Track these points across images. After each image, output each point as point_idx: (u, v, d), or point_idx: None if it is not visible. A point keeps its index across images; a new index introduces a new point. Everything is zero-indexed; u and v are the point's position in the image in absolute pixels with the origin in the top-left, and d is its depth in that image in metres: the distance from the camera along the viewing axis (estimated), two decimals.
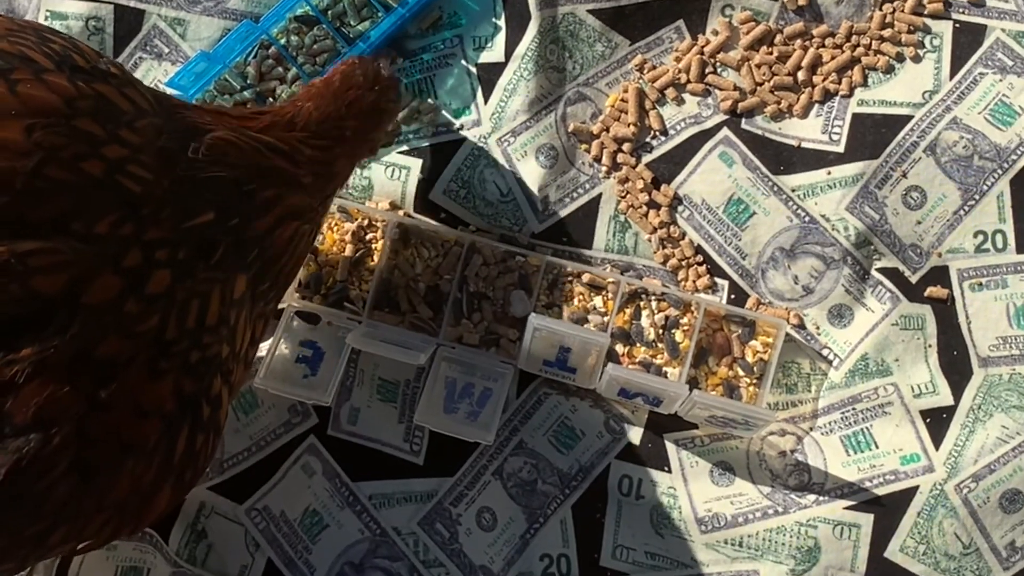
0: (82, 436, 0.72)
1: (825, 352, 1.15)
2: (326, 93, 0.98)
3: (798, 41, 1.20)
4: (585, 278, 1.15)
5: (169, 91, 1.17)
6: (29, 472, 0.70)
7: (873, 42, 1.20)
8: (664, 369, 1.14)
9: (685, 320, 1.14)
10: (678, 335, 1.14)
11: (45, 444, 0.71)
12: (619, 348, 1.14)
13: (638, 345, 1.14)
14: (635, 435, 1.14)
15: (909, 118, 1.18)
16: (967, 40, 1.20)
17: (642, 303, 1.15)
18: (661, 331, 1.14)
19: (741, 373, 1.14)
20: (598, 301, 1.15)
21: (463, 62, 1.21)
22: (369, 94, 0.99)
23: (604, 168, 1.19)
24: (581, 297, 1.15)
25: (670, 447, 1.14)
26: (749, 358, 1.14)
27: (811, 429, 1.14)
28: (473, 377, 1.14)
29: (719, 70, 1.21)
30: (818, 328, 1.16)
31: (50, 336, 0.70)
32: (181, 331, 0.77)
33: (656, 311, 1.14)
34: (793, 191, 1.18)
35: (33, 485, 0.71)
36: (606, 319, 1.14)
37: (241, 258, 0.83)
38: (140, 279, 0.75)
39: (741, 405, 1.08)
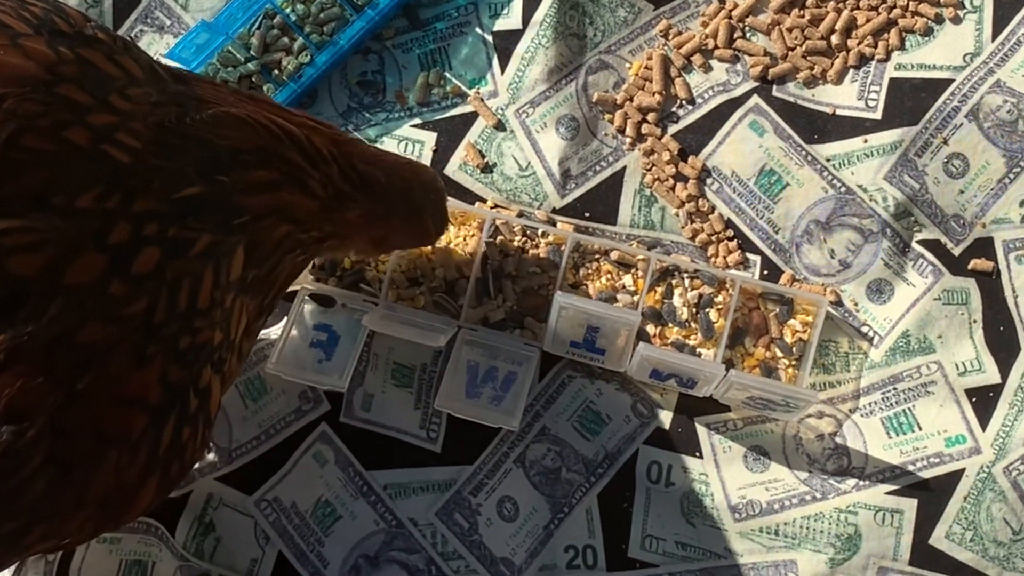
0: (58, 428, 0.70)
1: (864, 330, 1.13)
2: (391, 158, 0.97)
3: (831, 3, 1.18)
4: (614, 255, 1.12)
5: (170, 63, 1.15)
6: (1, 467, 0.68)
7: (910, 3, 1.18)
8: (698, 350, 1.11)
9: (720, 298, 1.12)
10: (712, 314, 1.11)
11: (18, 437, 0.68)
12: (650, 328, 1.12)
13: (670, 325, 1.12)
14: (664, 419, 1.12)
15: (949, 82, 1.16)
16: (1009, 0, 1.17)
17: (674, 281, 1.12)
18: (695, 310, 1.12)
19: (779, 354, 1.11)
20: (627, 279, 1.13)
21: (478, 30, 1.19)
22: (420, 192, 0.98)
23: (628, 139, 1.17)
24: (609, 275, 1.13)
25: (701, 431, 1.12)
26: (787, 338, 1.11)
27: (850, 411, 1.12)
28: (496, 360, 1.12)
29: (748, 35, 1.18)
30: (856, 305, 1.13)
31: (24, 321, 0.68)
32: (171, 314, 0.74)
33: (689, 289, 1.12)
34: (828, 160, 1.15)
35: (6, 481, 0.69)
36: (636, 298, 1.12)
37: (227, 218, 0.79)
38: (127, 257, 0.72)
39: (781, 385, 1.06)
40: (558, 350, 1.12)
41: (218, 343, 0.79)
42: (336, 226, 0.90)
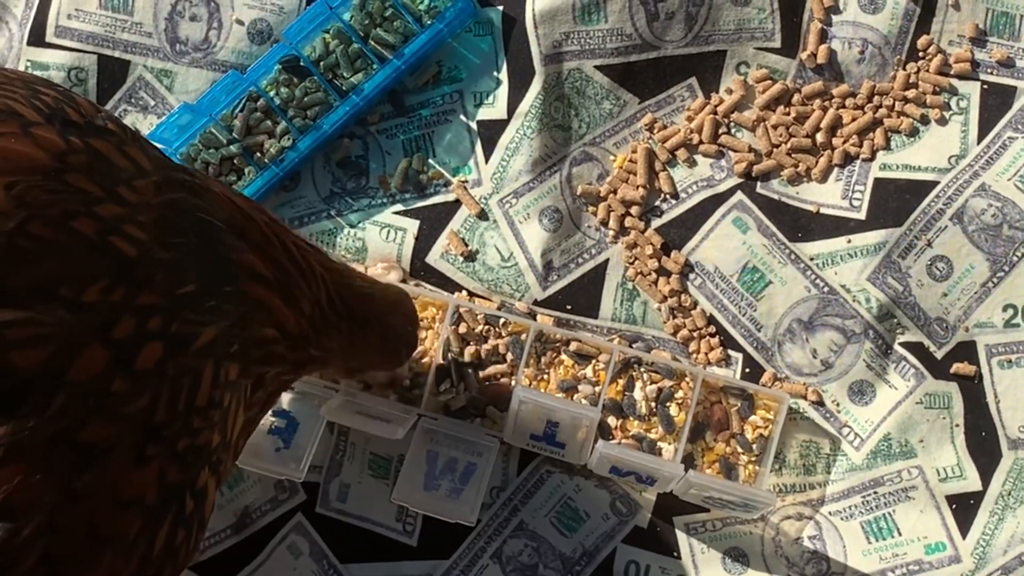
0: (55, 527, 0.69)
1: (845, 431, 1.13)
2: (378, 288, 0.99)
3: (817, 101, 1.19)
4: (573, 346, 1.13)
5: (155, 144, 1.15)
6: None
7: (896, 103, 1.18)
8: (659, 444, 1.12)
9: (680, 393, 1.12)
10: (673, 408, 1.12)
11: (14, 536, 0.68)
12: (611, 421, 1.13)
13: (631, 418, 1.12)
14: (643, 518, 1.13)
15: (934, 184, 1.16)
16: (996, 102, 1.19)
17: (635, 373, 1.13)
18: (654, 404, 1.12)
19: (740, 450, 1.12)
20: (588, 370, 1.13)
21: (463, 118, 1.20)
22: (400, 324, 1.00)
23: (611, 232, 1.17)
24: (570, 367, 1.13)
25: (680, 531, 1.13)
26: (748, 434, 1.12)
27: (830, 514, 1.12)
28: (456, 451, 1.12)
29: (733, 131, 1.19)
30: (838, 406, 1.14)
31: (25, 416, 0.67)
32: (172, 413, 0.74)
33: (648, 383, 1.12)
34: (811, 259, 1.16)
35: None
36: (597, 389, 1.12)
37: (220, 284, 0.79)
38: (130, 352, 0.72)
39: (740, 487, 1.07)
40: (518, 442, 1.12)
41: (216, 444, 0.79)
42: (319, 351, 0.90)
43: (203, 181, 0.83)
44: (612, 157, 1.20)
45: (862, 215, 1.17)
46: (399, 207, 1.19)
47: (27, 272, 0.69)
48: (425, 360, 1.15)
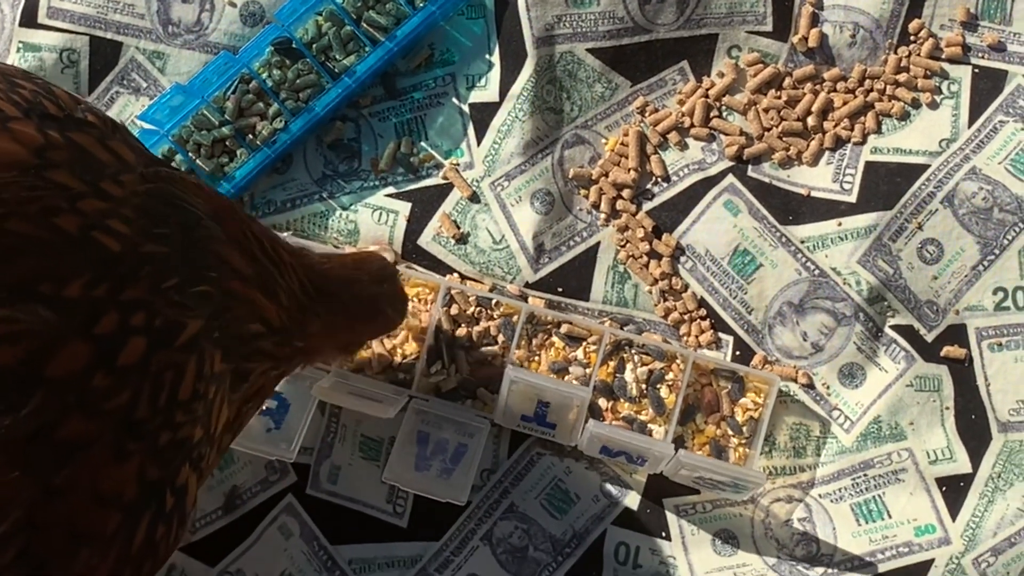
0: (33, 523, 0.69)
1: (835, 414, 1.14)
2: (337, 260, 0.99)
3: (808, 85, 1.19)
4: (564, 329, 1.13)
5: (144, 125, 1.15)
6: None
7: (887, 87, 1.19)
8: (649, 426, 1.12)
9: (671, 375, 1.12)
10: (663, 391, 1.12)
11: None
12: (602, 403, 1.13)
13: (622, 400, 1.12)
14: (633, 500, 1.13)
15: (925, 167, 1.17)
16: (987, 86, 1.19)
17: (626, 355, 1.13)
18: (644, 386, 1.12)
19: (730, 432, 1.12)
20: (579, 352, 1.13)
21: (455, 101, 1.20)
22: (372, 286, 1.00)
23: (603, 215, 1.17)
24: (561, 349, 1.14)
25: (670, 513, 1.13)
26: (739, 417, 1.12)
27: (820, 496, 1.12)
28: (447, 432, 1.12)
29: (724, 114, 1.19)
30: (828, 388, 1.14)
31: (3, 412, 0.67)
32: (152, 409, 0.73)
33: (639, 364, 1.12)
34: (802, 242, 1.16)
35: None
36: (588, 371, 1.12)
37: (200, 273, 0.78)
38: (113, 348, 0.71)
39: (730, 467, 1.07)
40: (509, 423, 1.13)
41: (198, 439, 0.78)
42: (303, 340, 0.90)
43: (181, 173, 0.82)
44: (604, 140, 1.20)
45: (853, 198, 1.18)
46: (391, 189, 1.19)
47: (5, 269, 0.68)
48: (416, 342, 1.15)
